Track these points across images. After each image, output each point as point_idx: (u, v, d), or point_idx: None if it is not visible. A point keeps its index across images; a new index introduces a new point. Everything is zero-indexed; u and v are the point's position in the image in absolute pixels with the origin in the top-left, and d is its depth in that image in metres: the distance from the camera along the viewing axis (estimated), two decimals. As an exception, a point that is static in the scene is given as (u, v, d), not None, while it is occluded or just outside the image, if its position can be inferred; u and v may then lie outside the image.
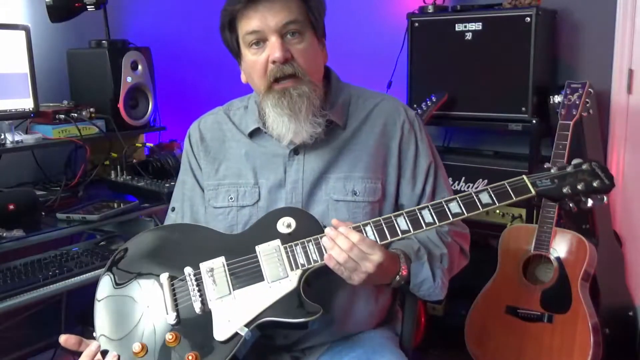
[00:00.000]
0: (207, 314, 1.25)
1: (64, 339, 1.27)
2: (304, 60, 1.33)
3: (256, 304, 1.25)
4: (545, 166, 1.27)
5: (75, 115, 2.46)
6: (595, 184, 1.22)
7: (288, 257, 1.27)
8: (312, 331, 1.41)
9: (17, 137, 2.32)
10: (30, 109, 2.35)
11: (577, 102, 2.18)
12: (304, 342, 1.43)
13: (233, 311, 1.25)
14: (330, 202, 1.40)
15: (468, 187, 2.54)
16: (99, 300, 1.31)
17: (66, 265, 1.97)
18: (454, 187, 2.55)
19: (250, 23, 1.31)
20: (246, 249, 1.30)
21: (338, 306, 1.40)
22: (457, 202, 1.25)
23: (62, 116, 2.43)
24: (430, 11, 2.58)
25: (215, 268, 1.29)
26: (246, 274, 1.28)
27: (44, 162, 2.60)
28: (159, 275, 1.30)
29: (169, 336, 1.23)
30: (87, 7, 2.57)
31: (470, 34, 2.45)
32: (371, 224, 1.26)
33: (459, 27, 2.47)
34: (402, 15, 2.66)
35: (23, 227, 1.99)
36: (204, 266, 1.30)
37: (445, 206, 1.25)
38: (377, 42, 2.91)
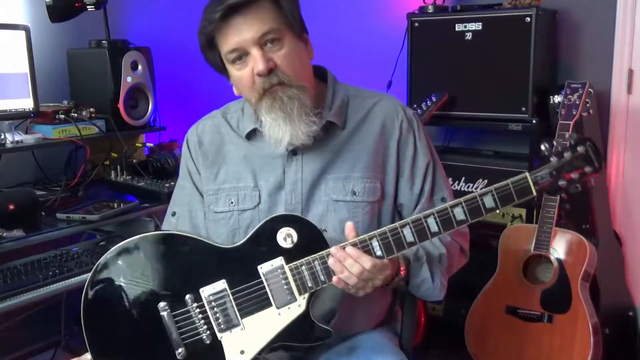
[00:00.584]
0: (217, 346, 1.24)
1: None
2: (288, 66, 1.31)
3: (266, 332, 1.23)
4: (542, 148, 1.25)
5: (75, 115, 2.47)
6: (587, 169, 1.22)
7: (295, 280, 1.25)
8: None
9: (17, 137, 2.32)
10: (30, 109, 2.35)
11: (577, 102, 2.18)
12: (304, 347, 1.43)
13: (244, 341, 1.23)
14: (330, 203, 1.39)
15: (468, 187, 2.54)
16: (92, 333, 1.25)
17: (66, 265, 1.97)
18: (454, 187, 2.54)
19: (229, 41, 1.30)
20: (248, 269, 1.26)
21: (338, 310, 1.40)
22: (462, 207, 1.22)
23: (62, 116, 2.43)
24: (430, 11, 2.58)
25: (218, 295, 1.25)
26: (253, 301, 1.25)
27: (44, 162, 2.60)
28: (156, 304, 1.25)
29: None
30: (87, 7, 2.57)
31: (470, 34, 2.45)
32: (377, 238, 1.23)
33: (459, 27, 2.47)
34: (402, 15, 2.66)
35: (23, 227, 1.99)
36: (205, 293, 1.26)
37: (450, 213, 1.22)
38: (377, 42, 2.91)
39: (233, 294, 1.25)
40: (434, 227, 1.22)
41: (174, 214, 1.53)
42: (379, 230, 1.24)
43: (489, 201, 1.22)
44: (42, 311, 2.49)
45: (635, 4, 2.38)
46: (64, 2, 2.54)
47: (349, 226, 1.26)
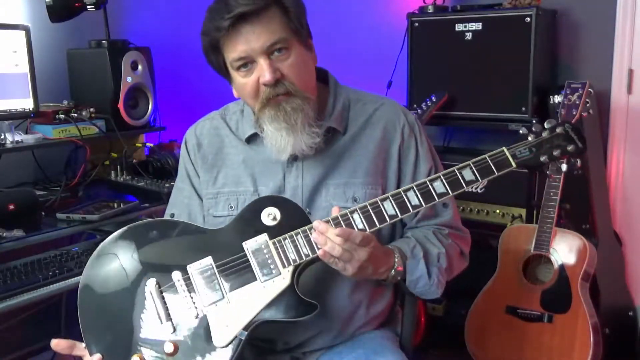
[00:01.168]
0: (202, 320, 1.23)
1: (55, 343, 1.26)
2: (295, 75, 1.30)
3: (252, 306, 1.23)
4: (520, 132, 1.30)
5: (75, 115, 2.47)
6: (569, 148, 1.26)
7: (278, 253, 1.25)
8: (313, 335, 1.41)
9: (17, 137, 2.32)
10: (30, 109, 2.35)
11: (577, 102, 2.18)
12: (305, 347, 1.43)
13: (230, 315, 1.23)
14: (331, 209, 1.38)
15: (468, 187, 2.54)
16: (84, 310, 1.26)
17: (66, 265, 1.97)
18: (454, 187, 2.54)
19: (236, 49, 1.28)
20: (233, 246, 1.27)
21: (339, 310, 1.40)
22: (441, 180, 1.25)
23: (62, 116, 2.43)
24: (430, 11, 2.58)
25: (203, 270, 1.26)
26: (237, 274, 1.25)
27: (44, 162, 2.59)
28: (145, 282, 1.26)
29: (168, 347, 1.21)
30: (87, 7, 2.57)
31: (470, 34, 2.45)
32: (358, 211, 1.25)
33: (459, 27, 2.47)
34: (402, 15, 2.66)
35: (23, 227, 1.98)
36: (191, 269, 1.26)
37: (429, 186, 1.25)
38: (377, 42, 2.91)
39: (218, 266, 1.26)
40: (414, 200, 1.25)
41: (172, 215, 1.52)
42: (359, 204, 1.26)
43: (468, 174, 1.26)
44: (42, 311, 2.49)
45: (635, 4, 2.38)
46: (64, 2, 2.54)
47: (335, 210, 1.26)
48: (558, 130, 1.27)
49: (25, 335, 2.62)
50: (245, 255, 1.26)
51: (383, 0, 2.91)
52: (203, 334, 1.22)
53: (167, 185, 2.39)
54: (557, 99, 2.24)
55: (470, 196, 2.50)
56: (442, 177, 1.25)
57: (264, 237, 1.26)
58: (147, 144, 2.88)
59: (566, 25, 2.54)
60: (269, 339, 1.42)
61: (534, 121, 2.31)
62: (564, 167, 1.29)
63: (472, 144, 2.78)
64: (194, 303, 1.24)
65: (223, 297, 1.24)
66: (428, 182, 1.25)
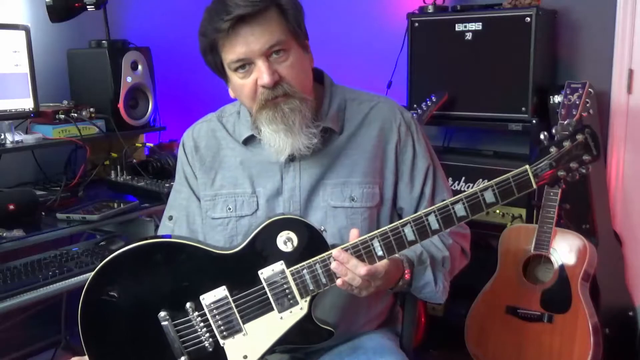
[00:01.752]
0: (220, 352, 1.23)
1: None
2: (293, 77, 1.30)
3: (269, 335, 1.23)
4: (541, 137, 1.24)
5: (75, 115, 2.47)
6: (585, 158, 1.22)
7: (297, 284, 1.23)
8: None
9: (17, 137, 2.32)
10: (30, 109, 2.35)
11: (577, 102, 2.17)
12: (306, 348, 1.43)
13: (247, 346, 1.22)
14: (328, 209, 1.39)
15: (468, 187, 2.53)
16: (90, 345, 1.23)
17: (66, 265, 1.97)
18: (454, 187, 2.55)
19: (234, 50, 1.27)
20: (248, 275, 1.24)
21: (340, 311, 1.40)
22: (463, 204, 1.19)
23: (62, 116, 2.43)
24: (430, 11, 2.58)
25: (219, 302, 1.24)
26: (254, 307, 1.24)
27: (44, 162, 2.60)
28: (156, 313, 1.23)
29: None
30: (87, 7, 2.57)
31: (470, 34, 2.45)
32: (378, 238, 1.21)
33: (459, 27, 2.47)
34: (402, 15, 2.66)
35: (23, 227, 1.99)
36: (205, 300, 1.24)
37: (451, 210, 1.20)
38: (377, 42, 2.91)
39: (234, 300, 1.24)
40: (434, 225, 1.20)
41: (170, 218, 1.52)
42: (379, 230, 1.23)
43: (489, 196, 1.19)
44: (42, 311, 2.49)
45: (635, 4, 2.38)
46: (64, 2, 2.54)
47: (354, 233, 1.24)
48: (579, 137, 1.21)
49: (25, 335, 2.62)
50: (263, 287, 1.24)
51: (383, 0, 2.91)
52: None
53: (167, 185, 2.39)
54: (557, 99, 2.24)
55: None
56: (464, 199, 1.20)
57: (280, 266, 1.23)
58: (147, 144, 2.88)
59: (566, 25, 2.54)
60: None
61: (533, 121, 2.34)
62: (577, 176, 1.23)
63: (472, 144, 2.78)
64: (210, 336, 1.23)
65: (241, 330, 1.24)
66: (450, 205, 1.20)
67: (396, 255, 1.32)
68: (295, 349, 1.30)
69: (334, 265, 1.21)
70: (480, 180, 2.51)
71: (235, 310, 1.23)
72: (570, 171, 1.21)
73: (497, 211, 2.46)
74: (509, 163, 2.47)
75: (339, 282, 1.21)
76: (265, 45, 1.26)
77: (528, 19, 2.32)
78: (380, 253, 1.22)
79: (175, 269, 1.26)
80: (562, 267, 2.17)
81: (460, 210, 1.20)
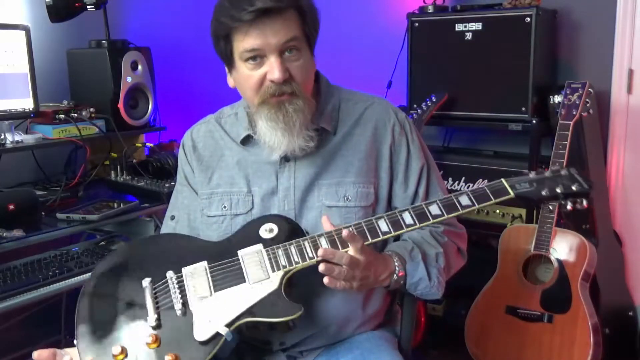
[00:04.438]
0: (188, 316, 1.24)
1: (37, 355, 1.28)
2: (302, 77, 1.32)
3: (237, 305, 1.24)
4: (523, 172, 1.30)
5: (75, 115, 2.47)
6: (574, 187, 1.25)
7: (270, 259, 1.27)
8: (310, 335, 1.41)
9: (17, 137, 2.32)
10: (30, 109, 2.35)
11: (577, 102, 2.18)
12: (301, 346, 1.43)
13: (214, 312, 1.24)
14: (323, 208, 1.39)
15: (468, 187, 2.53)
16: (79, 302, 1.30)
17: (66, 265, 1.97)
18: (454, 187, 2.54)
19: (250, 41, 1.27)
20: (229, 253, 1.31)
21: (335, 310, 1.40)
22: (437, 205, 1.27)
23: (62, 116, 2.43)
24: (430, 11, 2.58)
25: (196, 271, 1.29)
26: (228, 276, 1.27)
27: (44, 162, 2.60)
28: (141, 281, 1.29)
29: (148, 338, 1.22)
30: (87, 7, 2.57)
31: (470, 34, 2.45)
32: (352, 228, 1.26)
33: (459, 27, 2.47)
34: (402, 15, 2.66)
35: (23, 227, 1.98)
36: (186, 270, 1.30)
37: (425, 209, 1.27)
38: (377, 42, 2.91)
39: (210, 268, 1.29)
40: (409, 220, 1.27)
41: (172, 217, 1.54)
42: (355, 222, 1.28)
43: (464, 200, 1.27)
44: (42, 311, 2.49)
45: (635, 4, 2.38)
46: (64, 2, 2.54)
47: (325, 219, 1.29)
48: (562, 172, 1.27)
49: (25, 335, 2.62)
50: (237, 259, 1.29)
51: (383, 0, 2.91)
52: (187, 329, 1.23)
53: (167, 185, 2.39)
54: (557, 99, 2.24)
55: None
56: (438, 202, 1.27)
57: (259, 246, 1.30)
58: (147, 144, 2.88)
59: (566, 25, 2.54)
60: (264, 340, 1.42)
61: (533, 121, 2.34)
62: (569, 205, 1.26)
63: (472, 144, 2.78)
64: (182, 299, 1.26)
65: (210, 294, 1.26)
66: (424, 205, 1.28)
67: (387, 252, 1.36)
68: (260, 324, 1.28)
69: (322, 268, 1.22)
70: (480, 180, 2.51)
71: (209, 276, 1.28)
72: (555, 195, 1.25)
73: (497, 211, 2.46)
74: (509, 163, 2.47)
75: (325, 280, 1.22)
76: (281, 40, 1.27)
77: (528, 19, 2.32)
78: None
79: (167, 251, 1.37)
80: (562, 267, 2.17)
81: (434, 209, 1.27)
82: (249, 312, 1.23)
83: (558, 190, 1.25)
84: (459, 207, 1.26)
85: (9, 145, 2.29)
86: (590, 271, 2.18)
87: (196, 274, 1.28)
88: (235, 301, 1.24)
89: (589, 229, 2.31)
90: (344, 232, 1.23)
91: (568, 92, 2.21)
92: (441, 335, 2.62)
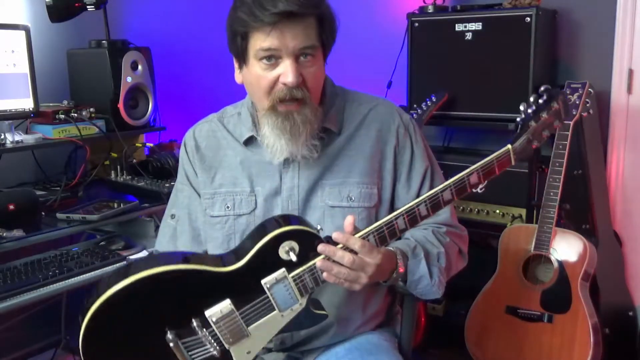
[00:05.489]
0: (227, 356, 1.25)
1: None
2: (313, 84, 1.32)
3: (270, 331, 1.25)
4: (521, 108, 1.34)
5: (75, 115, 2.47)
6: (555, 123, 1.32)
7: (297, 286, 1.23)
8: (310, 336, 1.41)
9: (17, 137, 2.32)
10: (30, 109, 2.35)
11: (577, 102, 2.18)
12: (302, 346, 1.43)
13: (251, 344, 1.25)
14: (326, 209, 1.39)
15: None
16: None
17: (66, 265, 1.97)
18: (454, 187, 2.54)
19: (268, 40, 1.26)
20: (251, 285, 1.23)
21: (337, 310, 1.40)
22: (450, 190, 1.27)
23: (62, 116, 2.43)
24: (430, 11, 2.58)
25: (225, 315, 1.22)
26: (257, 311, 1.24)
27: (44, 162, 2.60)
28: (163, 334, 1.20)
29: None
30: (87, 7, 2.57)
31: (470, 34, 2.45)
32: (375, 235, 1.23)
33: (459, 27, 2.47)
34: (402, 15, 2.66)
35: (23, 227, 1.99)
36: (211, 315, 1.21)
37: (440, 196, 1.26)
38: (377, 42, 2.91)
39: (238, 309, 1.23)
40: (424, 212, 1.26)
41: (172, 216, 1.53)
42: (375, 226, 1.24)
43: (473, 178, 1.30)
44: (42, 311, 2.49)
45: (635, 4, 2.38)
46: (64, 2, 2.54)
47: (348, 221, 1.23)
48: (554, 105, 1.31)
49: (25, 335, 2.62)
50: (265, 294, 1.23)
51: (383, 0, 2.91)
52: None
53: (167, 185, 2.39)
54: (557, 99, 2.24)
55: (470, 196, 2.49)
56: (452, 187, 1.28)
57: (282, 273, 1.22)
58: (147, 144, 2.88)
59: (566, 25, 2.54)
60: None
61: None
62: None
63: (472, 144, 2.78)
64: (217, 345, 1.23)
65: (247, 334, 1.24)
66: (439, 192, 1.26)
67: (391, 248, 1.34)
68: (291, 348, 1.32)
69: (319, 264, 1.21)
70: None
71: (239, 319, 1.23)
72: (541, 140, 1.31)
73: (497, 211, 2.46)
74: (509, 163, 2.47)
75: (324, 275, 1.21)
76: (299, 45, 1.27)
77: (528, 19, 2.32)
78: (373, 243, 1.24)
79: (178, 291, 1.23)
80: (562, 267, 2.17)
81: (446, 194, 1.27)
82: (280, 332, 1.26)
83: (544, 134, 1.31)
84: (467, 186, 1.28)
85: (9, 145, 2.29)
86: (590, 271, 2.18)
87: (225, 318, 1.22)
88: (268, 328, 1.25)
89: (589, 229, 2.31)
90: (334, 235, 1.21)
91: (568, 92, 2.21)
92: (441, 335, 2.62)
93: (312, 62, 1.30)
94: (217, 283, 1.23)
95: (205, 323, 1.22)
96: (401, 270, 1.33)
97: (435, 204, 1.25)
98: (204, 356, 1.24)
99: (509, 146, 1.29)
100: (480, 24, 2.43)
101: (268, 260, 1.23)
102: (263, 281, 1.22)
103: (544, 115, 1.29)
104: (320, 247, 1.20)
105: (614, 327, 2.26)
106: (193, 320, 1.21)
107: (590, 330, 2.09)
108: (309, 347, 1.43)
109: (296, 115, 1.30)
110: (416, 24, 2.58)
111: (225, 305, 1.22)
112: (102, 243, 2.19)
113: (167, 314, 1.22)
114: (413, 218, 1.24)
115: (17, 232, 1.95)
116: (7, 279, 1.84)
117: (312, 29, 1.29)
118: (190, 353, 1.23)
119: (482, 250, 2.34)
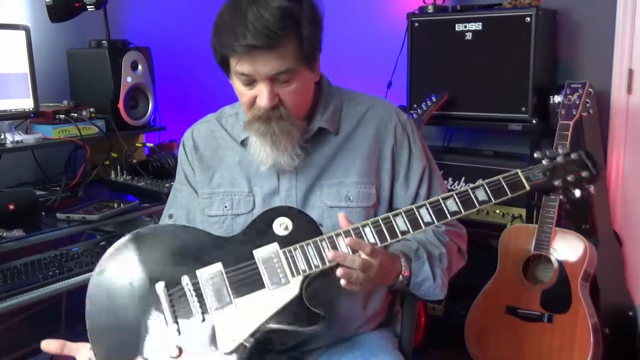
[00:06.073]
0: (209, 325, 1.23)
1: (45, 344, 1.23)
2: (292, 102, 1.31)
3: (259, 313, 1.23)
4: (535, 156, 1.29)
5: (75, 115, 2.46)
6: (584, 174, 1.26)
7: (288, 262, 1.24)
8: (311, 336, 1.41)
9: (17, 137, 2.32)
10: (30, 109, 2.35)
11: (577, 102, 2.18)
12: (302, 346, 1.43)
13: (236, 321, 1.22)
14: (325, 209, 1.39)
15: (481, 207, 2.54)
16: (90, 312, 1.24)
17: (66, 265, 1.97)
18: (454, 187, 2.54)
19: (242, 66, 1.27)
20: (243, 253, 1.26)
21: (337, 310, 1.40)
22: (454, 199, 1.24)
23: (62, 116, 2.43)
24: (430, 11, 2.58)
25: (213, 276, 1.25)
26: (246, 281, 1.24)
27: (44, 162, 2.59)
28: (154, 285, 1.24)
29: (173, 351, 1.20)
30: (87, 7, 2.57)
31: (470, 34, 2.46)
32: (370, 226, 1.24)
33: (459, 27, 2.48)
34: (402, 15, 2.66)
35: (23, 227, 1.98)
36: (201, 274, 1.25)
37: (442, 204, 1.24)
38: (377, 42, 2.91)
39: (227, 273, 1.25)
40: (426, 217, 1.24)
41: (170, 216, 1.53)
42: (372, 219, 1.25)
43: (481, 195, 1.25)
44: (42, 311, 2.49)
45: (635, 4, 2.38)
46: (64, 2, 2.54)
47: (341, 217, 1.25)
48: (573, 156, 1.26)
49: (25, 335, 2.61)
50: (255, 263, 1.25)
51: (383, 0, 2.91)
52: (209, 339, 1.22)
53: (167, 185, 2.39)
54: (557, 99, 2.24)
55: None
56: (455, 196, 1.24)
57: (274, 246, 1.25)
58: (147, 144, 2.88)
59: (566, 25, 2.54)
60: (265, 339, 1.42)
61: (533, 121, 2.34)
62: (577, 193, 1.27)
63: (472, 144, 2.78)
64: (201, 307, 1.24)
65: (231, 302, 1.23)
66: (441, 200, 1.24)
67: (393, 251, 1.34)
68: (287, 334, 1.29)
69: (339, 273, 1.20)
70: (480, 180, 2.50)
71: (227, 282, 1.24)
72: (567, 184, 1.25)
73: (497, 211, 2.46)
74: (509, 163, 2.47)
75: (342, 282, 1.21)
76: (272, 71, 1.26)
77: (528, 19, 2.32)
78: (372, 240, 1.24)
79: (177, 248, 1.29)
80: (562, 267, 2.17)
81: (452, 205, 1.24)
82: (272, 320, 1.23)
83: (570, 179, 1.25)
84: (476, 203, 1.24)
85: (9, 145, 2.29)
86: (590, 271, 2.18)
87: (213, 280, 1.24)
88: (257, 309, 1.23)
89: (589, 229, 2.31)
90: (347, 241, 1.21)
91: (568, 92, 2.21)
92: (441, 335, 2.62)
93: (290, 82, 1.29)
94: (212, 246, 1.28)
95: (193, 279, 1.25)
96: (406, 274, 1.33)
97: (438, 210, 1.24)
98: (185, 315, 1.23)
99: (518, 170, 1.26)
100: (480, 24, 2.43)
101: (262, 232, 1.27)
102: (255, 251, 1.25)
103: (560, 158, 1.26)
104: (331, 255, 1.21)
105: (614, 327, 2.26)
106: (184, 277, 1.25)
107: (590, 330, 2.09)
108: (309, 347, 1.43)
109: (274, 125, 1.31)
110: (416, 24, 2.58)
111: (215, 265, 1.25)
112: (102, 243, 2.19)
113: (161, 270, 1.26)
114: (413, 219, 1.24)
115: (17, 232, 1.95)
116: (7, 279, 1.83)
117: (289, 51, 1.26)
118: (174, 307, 1.24)
119: (482, 250, 2.35)
